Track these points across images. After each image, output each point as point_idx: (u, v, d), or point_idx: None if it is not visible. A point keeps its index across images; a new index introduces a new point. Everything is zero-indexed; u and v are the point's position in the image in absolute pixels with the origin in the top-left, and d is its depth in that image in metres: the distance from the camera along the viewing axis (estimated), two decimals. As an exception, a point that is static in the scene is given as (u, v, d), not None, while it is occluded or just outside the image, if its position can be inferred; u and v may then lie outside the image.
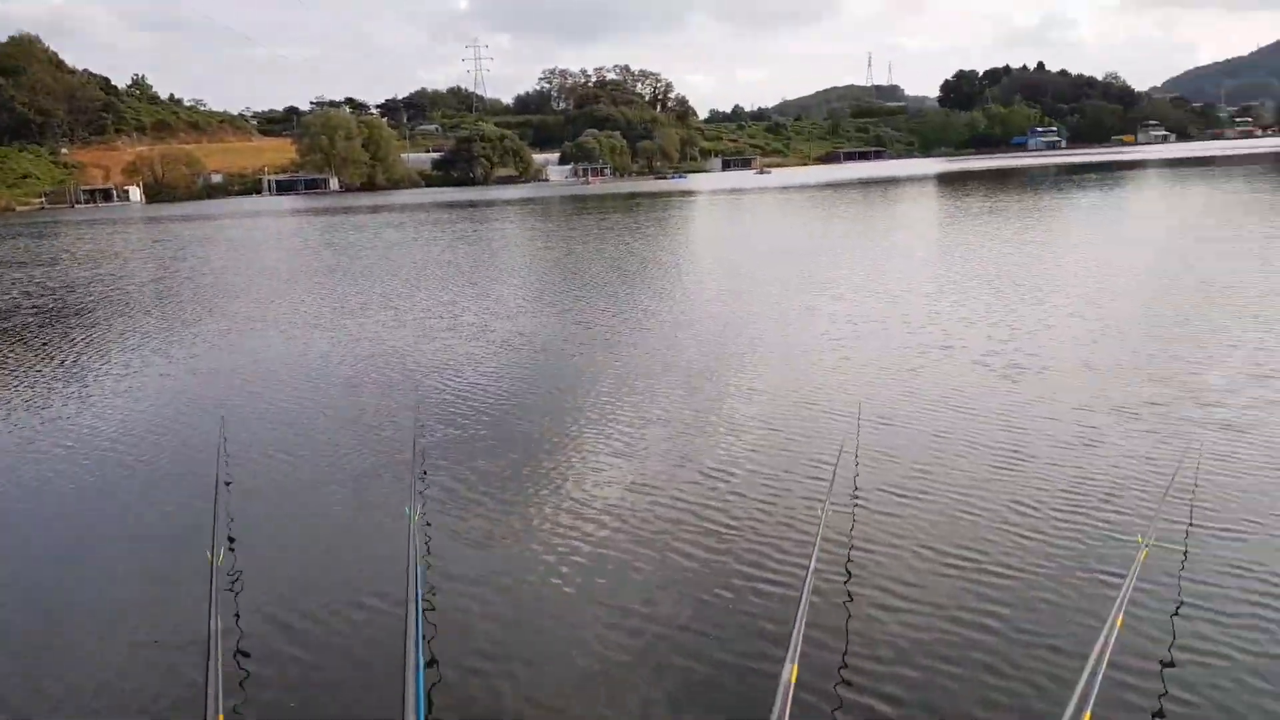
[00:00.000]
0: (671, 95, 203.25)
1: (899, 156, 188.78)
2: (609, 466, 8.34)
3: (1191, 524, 6.36)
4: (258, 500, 7.91)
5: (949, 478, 7.58)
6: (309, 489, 8.17)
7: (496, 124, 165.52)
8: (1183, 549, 5.98)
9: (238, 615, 5.73)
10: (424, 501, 7.38)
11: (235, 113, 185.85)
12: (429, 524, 7.05)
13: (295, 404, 11.26)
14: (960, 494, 7.20)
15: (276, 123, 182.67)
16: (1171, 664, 4.74)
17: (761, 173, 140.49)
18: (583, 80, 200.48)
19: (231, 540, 6.85)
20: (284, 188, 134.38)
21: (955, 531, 6.51)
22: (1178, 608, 5.29)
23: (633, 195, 79.74)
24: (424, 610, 5.20)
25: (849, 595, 5.66)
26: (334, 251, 34.45)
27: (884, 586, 5.74)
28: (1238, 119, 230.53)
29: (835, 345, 13.07)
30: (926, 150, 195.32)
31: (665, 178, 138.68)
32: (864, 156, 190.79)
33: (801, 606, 4.20)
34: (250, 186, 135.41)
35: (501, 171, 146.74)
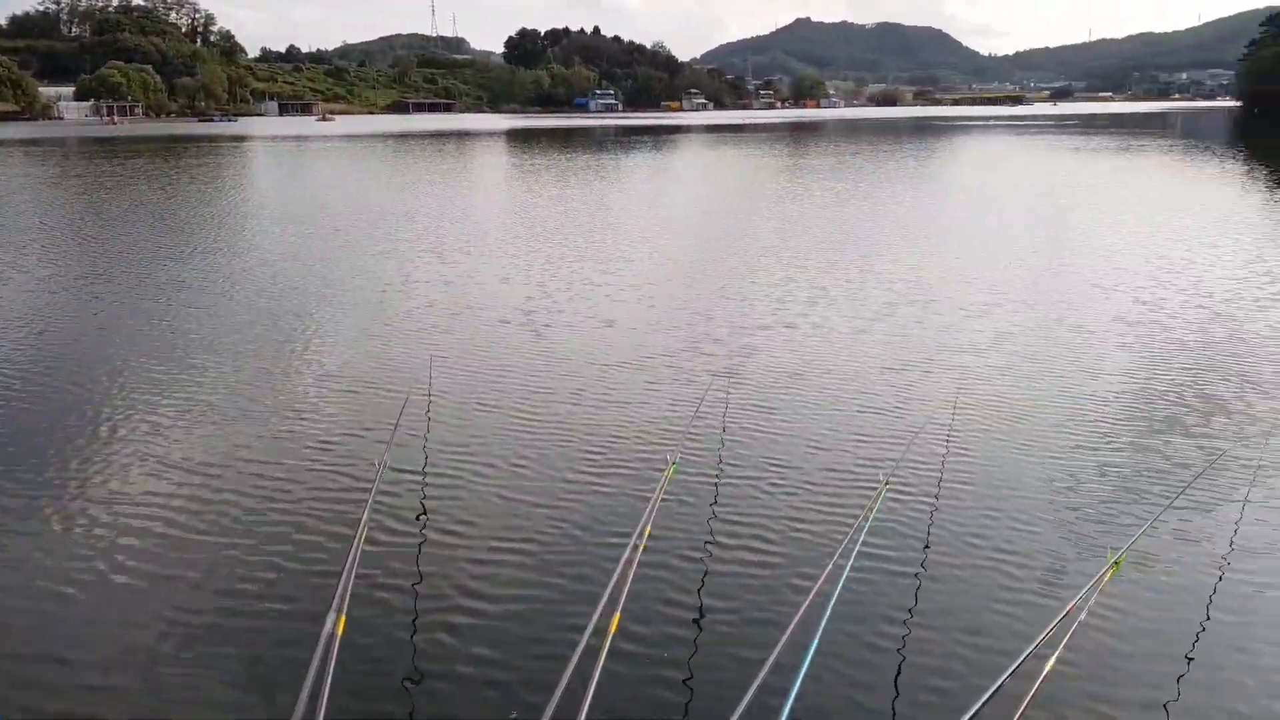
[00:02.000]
0: (214, 28, 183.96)
1: (468, 110, 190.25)
2: (159, 431, 7.50)
3: (714, 440, 7.32)
4: None
5: (515, 418, 7.92)
6: None
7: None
8: (705, 462, 6.86)
9: None
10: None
11: None
12: None
13: None
14: (516, 440, 7.56)
15: None
16: (691, 555, 5.44)
17: (324, 119, 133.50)
18: (101, 4, 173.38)
19: None
20: None
21: (514, 475, 6.83)
22: (695, 512, 6.07)
23: (173, 139, 71.35)
24: None
25: (405, 539, 5.69)
26: None
27: (441, 525, 5.86)
28: (762, 91, 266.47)
29: (411, 298, 12.96)
30: (495, 105, 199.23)
31: (212, 120, 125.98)
32: (433, 108, 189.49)
33: (352, 554, 4.14)
34: None
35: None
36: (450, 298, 12.94)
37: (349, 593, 3.80)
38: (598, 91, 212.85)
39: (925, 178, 33.93)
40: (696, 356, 9.80)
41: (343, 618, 3.59)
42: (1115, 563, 4.28)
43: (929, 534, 5.71)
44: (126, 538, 5.74)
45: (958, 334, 10.60)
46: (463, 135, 79.20)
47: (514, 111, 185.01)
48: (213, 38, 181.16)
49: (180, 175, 35.92)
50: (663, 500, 5.27)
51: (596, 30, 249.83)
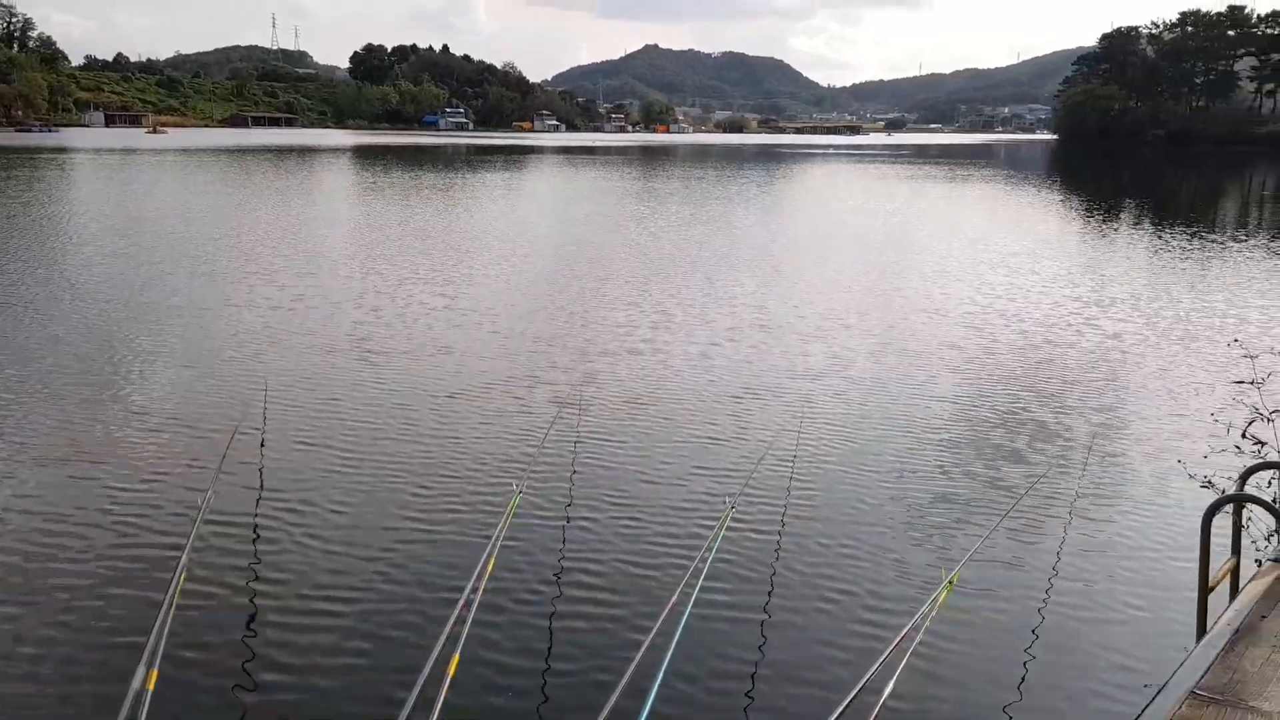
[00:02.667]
0: (33, 34, 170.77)
1: (311, 126, 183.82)
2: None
3: (564, 468, 7.29)
4: None
5: (355, 449, 7.64)
6: None
7: None
8: (552, 491, 6.82)
9: None
10: None
11: None
12: None
13: None
14: (353, 475, 7.30)
15: None
16: (536, 587, 5.40)
17: (155, 132, 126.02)
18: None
19: None
20: None
21: (352, 500, 6.59)
22: (542, 543, 6.02)
23: (-17, 149, 65.69)
24: None
25: (228, 582, 5.37)
26: None
27: (267, 567, 5.57)
28: (613, 115, 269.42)
29: (249, 325, 12.34)
30: (340, 121, 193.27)
31: (30, 130, 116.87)
32: (274, 123, 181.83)
33: (166, 603, 3.88)
34: None
35: None
36: (284, 324, 12.38)
37: (161, 645, 3.56)
38: (448, 110, 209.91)
39: (769, 203, 35.16)
40: (540, 385, 9.75)
41: (154, 672, 3.36)
42: (949, 583, 4.43)
43: (771, 561, 5.83)
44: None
45: (798, 360, 10.95)
46: (305, 151, 76.37)
47: (360, 128, 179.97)
48: (31, 44, 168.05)
49: (-14, 189, 33.04)
50: (505, 535, 5.21)
51: (446, 49, 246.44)
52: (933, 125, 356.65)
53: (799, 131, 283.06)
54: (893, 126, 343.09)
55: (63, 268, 16.64)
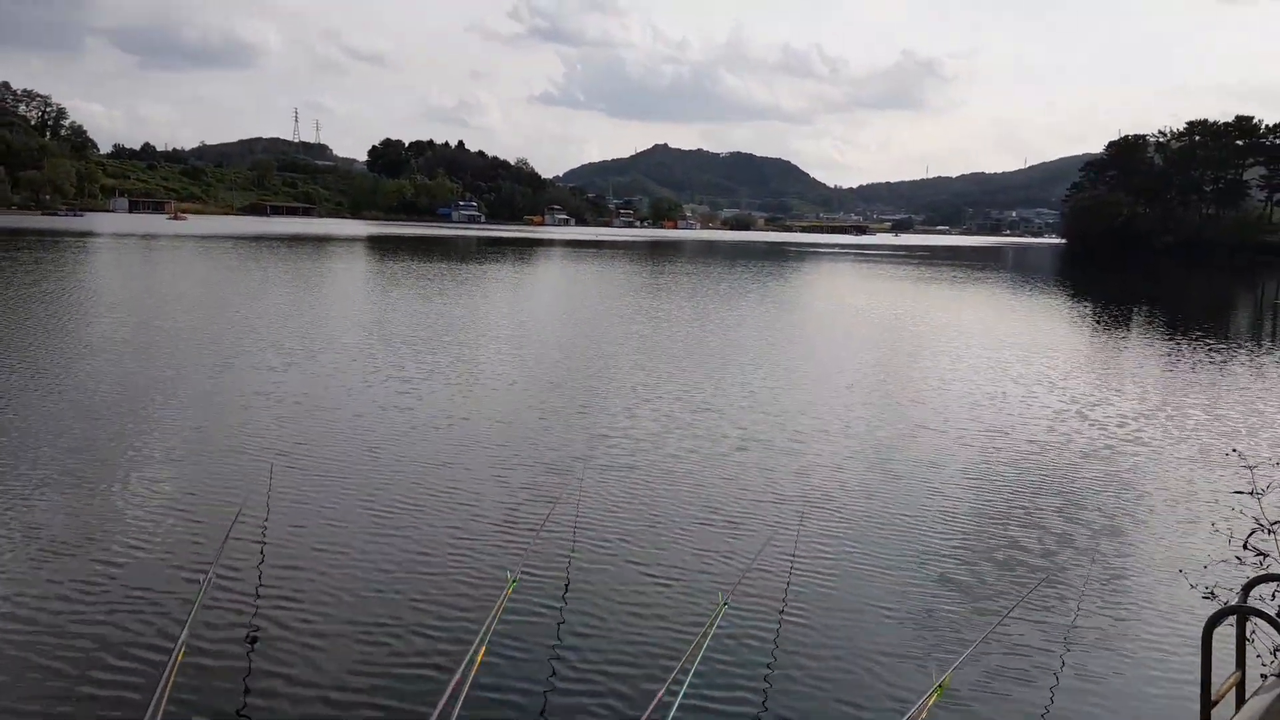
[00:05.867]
0: (65, 123, 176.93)
1: (328, 216, 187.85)
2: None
3: (560, 555, 7.32)
4: None
5: (358, 529, 7.72)
6: None
7: None
8: (548, 579, 6.84)
9: None
10: None
11: None
12: None
13: None
14: (363, 544, 7.37)
15: None
16: (526, 674, 5.40)
17: (176, 218, 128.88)
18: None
19: None
20: None
21: (352, 581, 6.64)
22: (534, 631, 6.03)
23: (14, 232, 67.24)
24: None
25: (226, 660, 5.42)
26: None
27: (265, 645, 5.63)
28: (622, 210, 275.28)
29: (260, 403, 12.52)
30: (356, 212, 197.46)
31: (57, 214, 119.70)
32: (293, 212, 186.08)
33: (167, 676, 3.94)
34: None
35: None
36: (289, 407, 12.54)
37: (160, 716, 3.60)
38: (461, 203, 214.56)
39: (775, 300, 35.63)
40: (543, 471, 9.84)
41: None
42: (940, 686, 4.42)
43: (763, 659, 5.83)
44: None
45: (800, 457, 10.98)
46: (322, 240, 77.94)
47: (376, 218, 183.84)
48: (63, 132, 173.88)
49: (18, 269, 33.72)
50: (499, 619, 5.24)
51: (461, 144, 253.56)
52: (940, 226, 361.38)
53: (805, 230, 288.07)
54: (900, 227, 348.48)
55: (73, 348, 16.92)
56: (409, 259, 53.31)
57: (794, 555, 7.32)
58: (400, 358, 16.90)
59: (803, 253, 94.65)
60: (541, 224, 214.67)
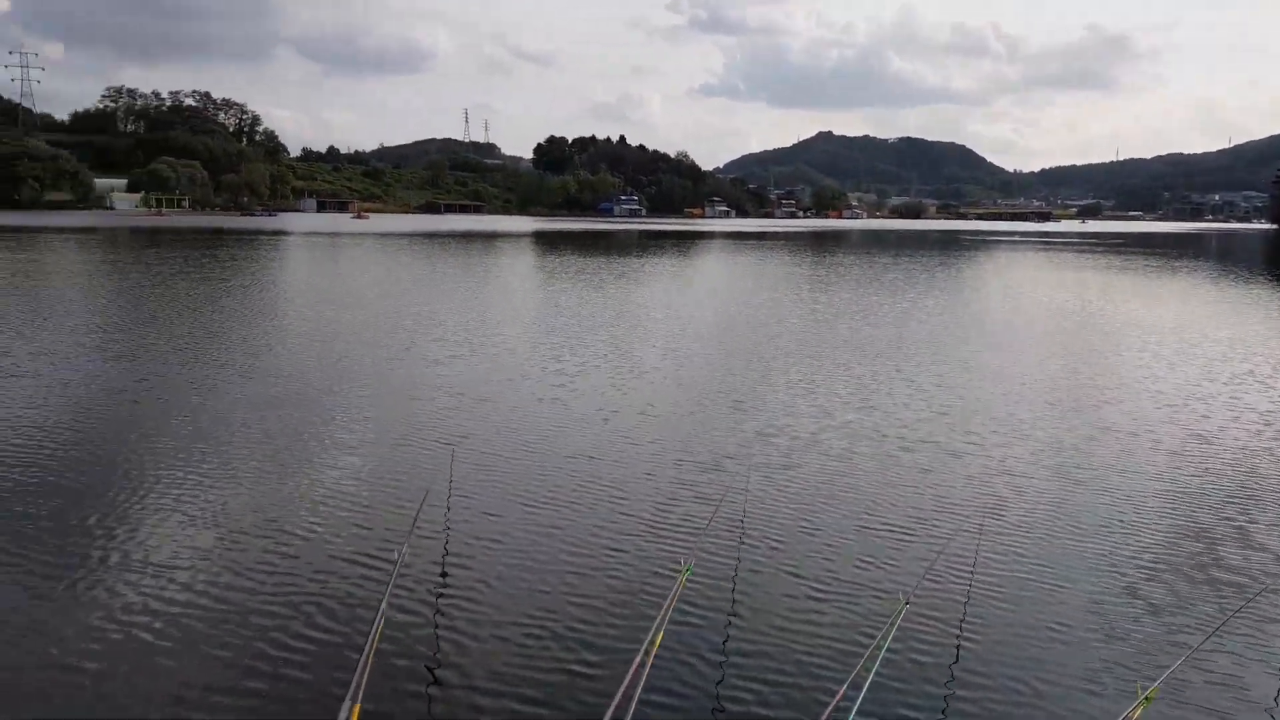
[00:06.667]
0: (260, 129, 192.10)
1: (496, 213, 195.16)
2: (182, 515, 7.64)
3: (731, 547, 7.32)
4: None
5: (534, 514, 7.98)
6: None
7: (49, 142, 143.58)
8: (721, 569, 6.85)
9: None
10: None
11: None
12: None
13: None
14: (542, 529, 7.61)
15: None
16: (705, 663, 5.41)
17: (359, 217, 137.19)
18: (155, 103, 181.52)
19: None
20: None
21: (532, 563, 6.87)
22: (711, 619, 6.04)
23: (218, 232, 73.57)
24: None
25: (421, 631, 5.72)
26: None
27: (456, 620, 5.89)
28: (783, 201, 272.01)
29: (440, 392, 13.14)
30: (523, 208, 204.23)
31: (253, 214, 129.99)
32: (464, 209, 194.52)
33: (369, 646, 4.19)
34: None
35: (55, 195, 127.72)
36: (472, 392, 13.12)
37: (364, 682, 3.84)
38: (622, 197, 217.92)
39: (947, 291, 34.23)
40: (707, 465, 9.83)
41: (357, 706, 3.63)
42: (1146, 698, 4.13)
43: (949, 657, 5.63)
44: (144, 615, 5.81)
45: (977, 458, 10.46)
46: (490, 236, 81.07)
47: (541, 214, 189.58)
48: (258, 137, 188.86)
49: (218, 265, 36.92)
50: (675, 606, 5.28)
51: (622, 139, 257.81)
52: (1133, 212, 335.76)
53: (982, 217, 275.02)
54: (1087, 213, 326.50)
55: (287, 337, 18.31)
56: (571, 253, 54.65)
57: (974, 562, 6.99)
58: (561, 350, 17.30)
59: (978, 241, 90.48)
60: (701, 216, 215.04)
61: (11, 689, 4.97)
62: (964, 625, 6.08)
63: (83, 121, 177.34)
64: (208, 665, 5.26)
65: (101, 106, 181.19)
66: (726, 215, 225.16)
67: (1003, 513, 8.45)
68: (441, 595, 6.26)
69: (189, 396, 12.58)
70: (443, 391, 13.22)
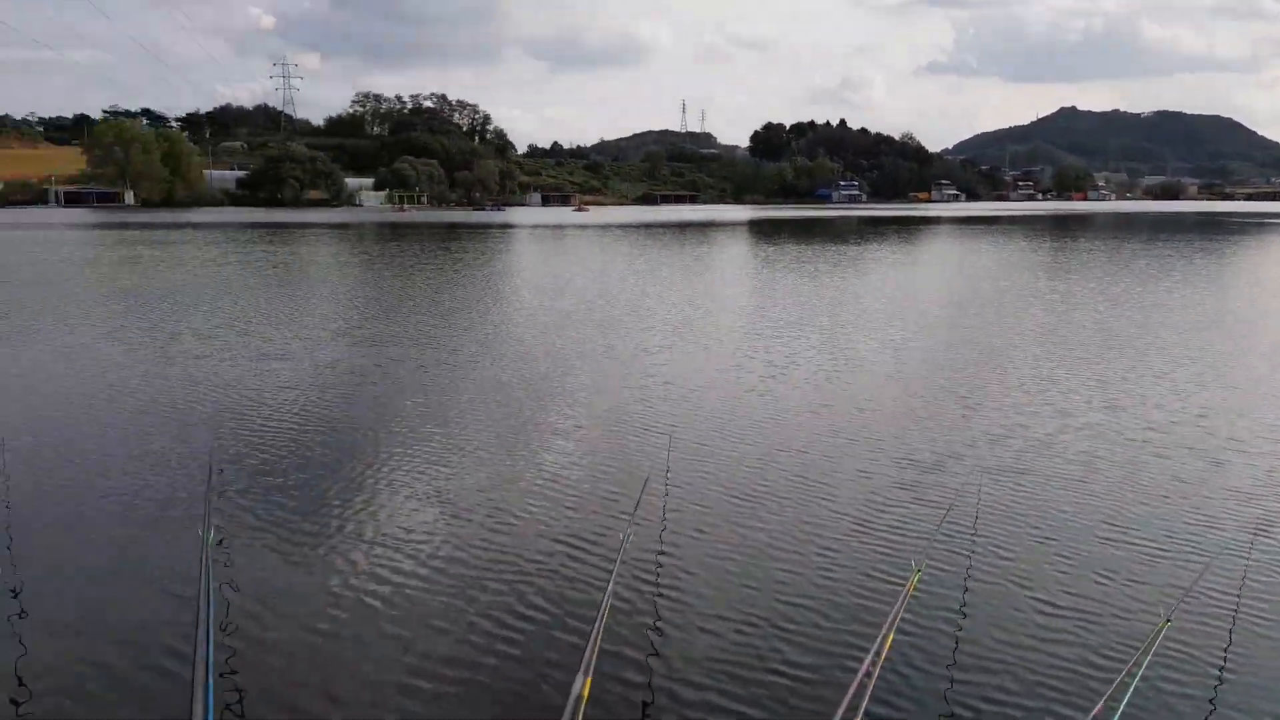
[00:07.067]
0: (490, 128, 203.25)
1: (711, 202, 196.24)
2: (418, 489, 8.23)
3: (964, 553, 6.97)
4: (42, 530, 7.24)
5: (752, 503, 7.97)
6: (99, 513, 7.65)
7: (307, 145, 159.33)
8: (953, 575, 6.53)
9: (17, 651, 5.24)
10: (220, 526, 7.12)
11: (19, 117, 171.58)
12: (230, 545, 6.89)
13: (81, 429, 10.42)
14: (761, 519, 7.58)
15: (65, 130, 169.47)
16: (938, 672, 5.18)
17: (580, 209, 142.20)
18: (398, 106, 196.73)
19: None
20: (73, 199, 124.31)
21: (752, 551, 6.85)
22: (944, 626, 5.77)
23: (453, 226, 78.78)
24: (216, 628, 5.20)
25: (646, 611, 5.85)
26: (132, 271, 31.99)
27: (680, 604, 5.97)
28: (1020, 182, 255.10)
29: (655, 381, 13.40)
30: (739, 197, 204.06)
31: (484, 209, 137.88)
32: (679, 200, 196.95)
33: (598, 622, 4.33)
34: (35, 196, 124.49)
35: (312, 194, 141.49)
36: (685, 382, 13.24)
37: (595, 657, 3.98)
38: (841, 183, 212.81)
39: (1208, 280, 30.86)
40: (941, 460, 9.40)
41: (589, 680, 3.77)
42: None
43: (1217, 684, 5.10)
44: (382, 585, 6.27)
45: (1243, 467, 9.40)
46: (706, 225, 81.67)
47: (756, 202, 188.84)
48: (488, 136, 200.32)
49: (450, 258, 39.57)
50: (905, 611, 5.09)
51: (843, 123, 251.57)
52: None
53: (1252, 197, 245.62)
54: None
55: (514, 324, 19.35)
56: (786, 241, 54.05)
57: (1241, 583, 6.27)
58: (774, 341, 17.11)
59: (1247, 224, 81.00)
60: (928, 200, 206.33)
61: (266, 645, 5.53)
62: (1231, 645, 5.48)
63: (336, 126, 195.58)
64: (443, 634, 5.62)
65: (352, 111, 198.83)
66: (956, 199, 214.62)
67: (1274, 531, 7.52)
68: (663, 580, 6.37)
69: (421, 379, 13.52)
70: (656, 380, 13.42)
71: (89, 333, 17.77)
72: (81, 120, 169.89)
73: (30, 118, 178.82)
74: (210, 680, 3.96)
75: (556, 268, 37.05)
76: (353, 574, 6.47)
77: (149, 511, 7.75)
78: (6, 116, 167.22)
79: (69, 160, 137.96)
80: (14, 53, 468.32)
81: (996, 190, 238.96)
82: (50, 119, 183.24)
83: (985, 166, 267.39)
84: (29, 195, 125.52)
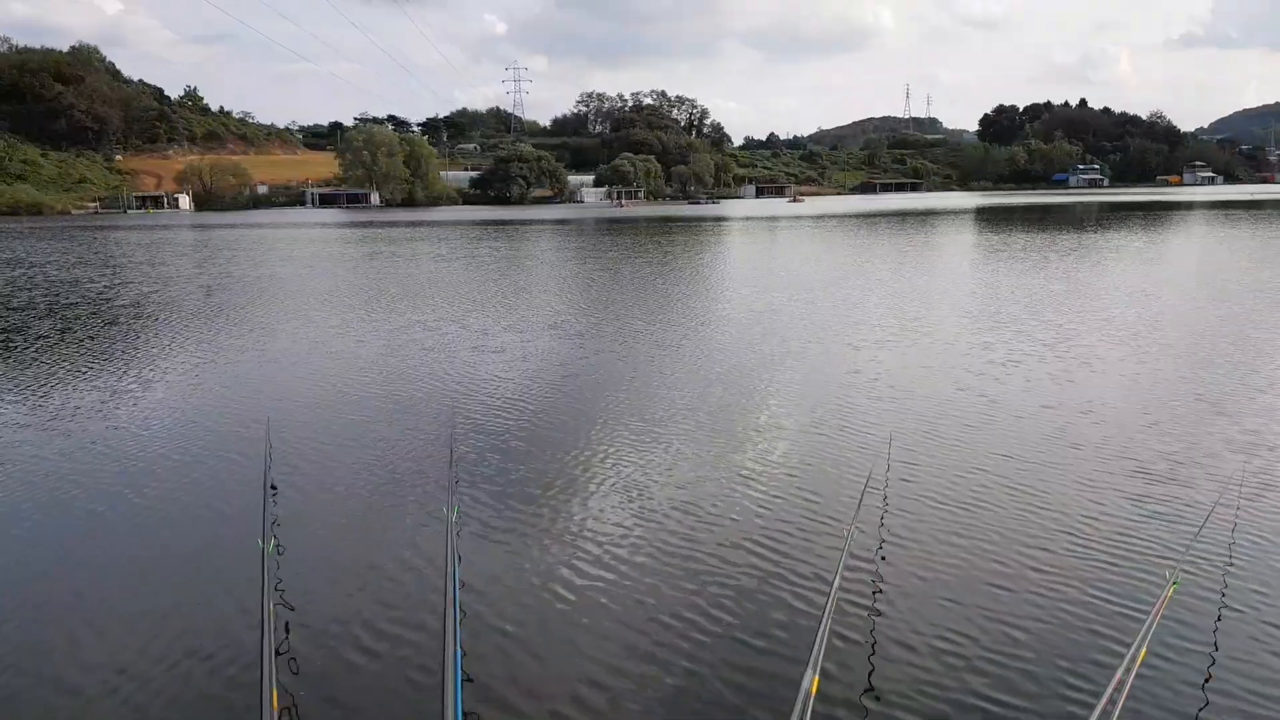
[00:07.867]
0: (707, 121, 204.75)
1: (935, 189, 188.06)
2: (640, 480, 8.57)
3: (1225, 564, 6.45)
4: (306, 500, 8.23)
5: (977, 507, 7.72)
6: (352, 491, 8.50)
7: (534, 145, 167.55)
8: (1212, 588, 6.07)
9: (287, 606, 6.02)
10: (462, 505, 7.72)
11: (282, 126, 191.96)
12: (467, 525, 7.40)
13: (337, 412, 11.63)
14: (987, 522, 7.35)
15: (321, 137, 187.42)
16: (1191, 692, 4.87)
17: (795, 201, 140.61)
18: (619, 104, 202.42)
19: (277, 539, 7.12)
20: (326, 201, 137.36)
21: (980, 556, 6.66)
22: (1202, 642, 5.40)
23: (666, 219, 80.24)
24: (462, 605, 5.60)
25: (872, 611, 5.84)
26: (378, 266, 35.10)
27: (906, 605, 5.91)
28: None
29: (870, 378, 13.18)
30: (965, 184, 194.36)
31: (699, 202, 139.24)
32: (900, 188, 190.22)
33: (825, 619, 4.40)
34: (294, 198, 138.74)
35: (537, 191, 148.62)
36: (902, 379, 12.87)
37: (822, 654, 4.07)
38: (1080, 166, 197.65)
39: None
40: (1190, 468, 8.68)
41: (817, 677, 3.86)
42: None
43: None
44: (597, 580, 6.52)
45: None
46: (927, 214, 78.45)
47: (984, 189, 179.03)
48: (705, 129, 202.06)
49: (660, 251, 40.37)
50: (1160, 621, 4.80)
51: (1083, 102, 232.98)
52: None
53: None
54: None
55: (727, 317, 19.59)
56: (1015, 229, 50.97)
57: None
58: (997, 338, 16.19)
59: None
60: (1179, 184, 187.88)
61: (504, 631, 5.91)
62: None
63: (561, 125, 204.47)
64: (667, 628, 5.80)
65: (576, 111, 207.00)
66: (1211, 182, 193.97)
67: None
68: (885, 579, 6.33)
69: (627, 372, 13.94)
70: (869, 376, 13.14)
71: (324, 326, 19.67)
72: (335, 127, 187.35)
73: (291, 126, 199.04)
74: (459, 660, 4.34)
75: (765, 260, 36.96)
76: (583, 564, 6.73)
77: (395, 490, 8.47)
78: (272, 125, 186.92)
79: (323, 165, 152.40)
80: (280, 66, 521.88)
81: (1260, 172, 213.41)
82: (308, 126, 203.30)
83: (1246, 146, 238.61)
84: (289, 197, 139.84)
